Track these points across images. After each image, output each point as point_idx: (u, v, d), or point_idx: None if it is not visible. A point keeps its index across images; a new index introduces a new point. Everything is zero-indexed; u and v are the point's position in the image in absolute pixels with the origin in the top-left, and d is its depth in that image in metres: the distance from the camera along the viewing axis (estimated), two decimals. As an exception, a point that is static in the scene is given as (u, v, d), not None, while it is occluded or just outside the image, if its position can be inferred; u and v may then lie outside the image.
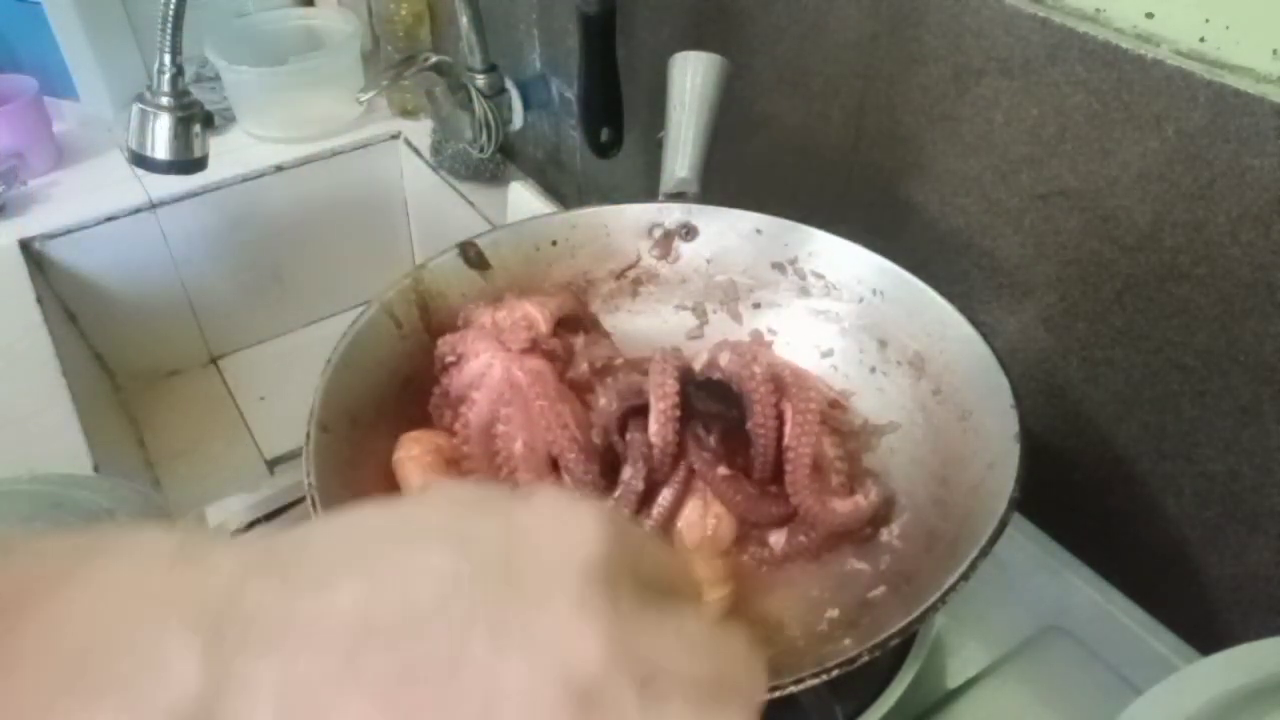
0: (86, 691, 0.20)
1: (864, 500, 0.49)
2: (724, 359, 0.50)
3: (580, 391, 0.53)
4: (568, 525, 0.24)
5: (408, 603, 0.21)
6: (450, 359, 0.53)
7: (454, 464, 0.51)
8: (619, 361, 0.56)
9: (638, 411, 0.50)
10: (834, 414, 0.55)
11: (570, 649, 0.21)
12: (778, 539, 0.49)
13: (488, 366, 0.52)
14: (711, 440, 0.50)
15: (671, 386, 0.49)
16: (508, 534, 0.23)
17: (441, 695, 0.21)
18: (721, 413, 0.50)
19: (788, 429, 0.48)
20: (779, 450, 0.49)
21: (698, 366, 0.52)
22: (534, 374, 0.51)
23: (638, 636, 0.22)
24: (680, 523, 0.49)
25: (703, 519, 0.49)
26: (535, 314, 0.54)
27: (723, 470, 0.49)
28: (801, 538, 0.49)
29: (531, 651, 0.21)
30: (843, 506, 0.48)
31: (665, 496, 0.49)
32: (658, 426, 0.49)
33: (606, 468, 0.50)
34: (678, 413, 0.49)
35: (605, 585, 0.22)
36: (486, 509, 0.24)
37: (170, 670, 0.20)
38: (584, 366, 0.54)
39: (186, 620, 0.21)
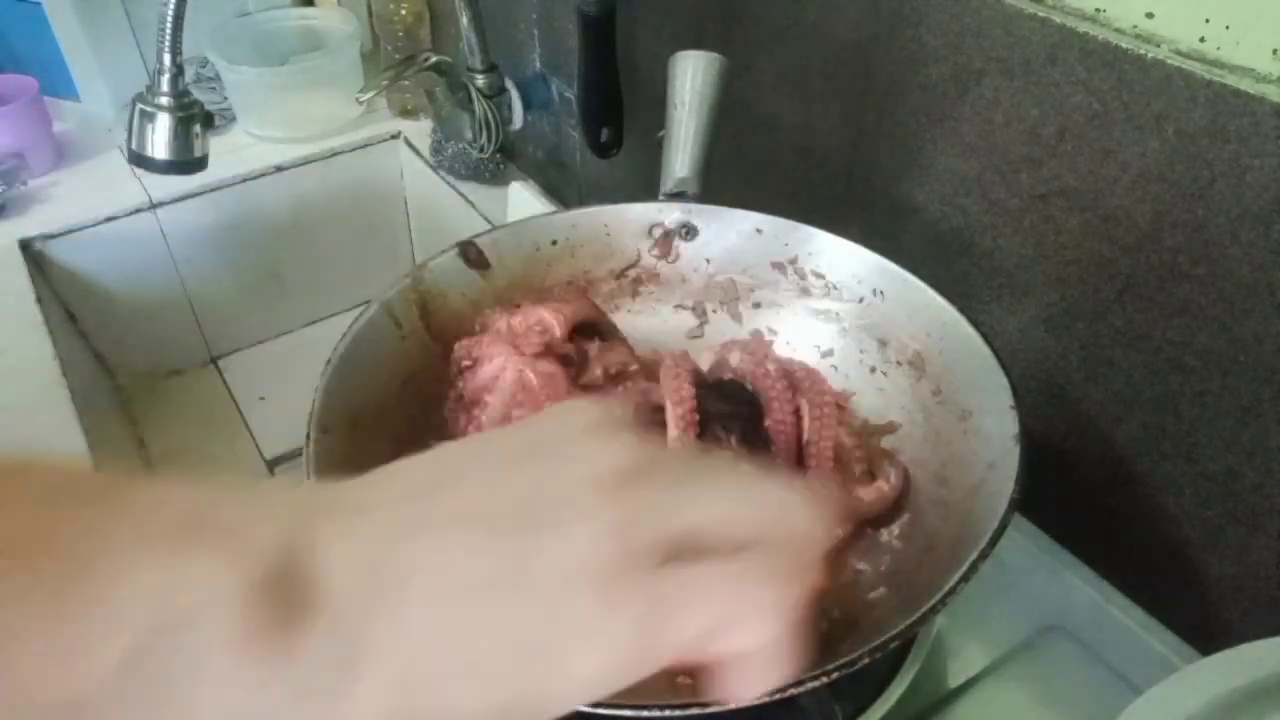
0: (177, 539, 0.22)
1: (886, 485, 0.49)
2: (734, 358, 0.50)
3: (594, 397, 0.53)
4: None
5: (471, 469, 0.26)
6: (466, 363, 0.54)
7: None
8: (633, 368, 0.56)
9: (651, 419, 0.50)
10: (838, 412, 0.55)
11: (608, 462, 0.25)
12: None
13: (501, 370, 0.52)
14: (732, 441, 0.50)
15: (687, 390, 0.49)
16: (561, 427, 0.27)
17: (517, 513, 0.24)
18: (734, 412, 0.50)
19: (805, 423, 0.49)
20: (799, 446, 0.49)
21: (705, 367, 0.52)
22: (546, 376, 0.51)
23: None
24: None
25: None
26: (550, 319, 0.54)
27: (746, 471, 0.49)
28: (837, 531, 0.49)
29: (580, 466, 0.25)
30: (867, 494, 0.49)
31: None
32: (677, 432, 0.49)
33: None
34: (696, 416, 0.49)
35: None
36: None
37: (255, 532, 0.23)
38: (598, 372, 0.54)
39: (263, 513, 0.24)
